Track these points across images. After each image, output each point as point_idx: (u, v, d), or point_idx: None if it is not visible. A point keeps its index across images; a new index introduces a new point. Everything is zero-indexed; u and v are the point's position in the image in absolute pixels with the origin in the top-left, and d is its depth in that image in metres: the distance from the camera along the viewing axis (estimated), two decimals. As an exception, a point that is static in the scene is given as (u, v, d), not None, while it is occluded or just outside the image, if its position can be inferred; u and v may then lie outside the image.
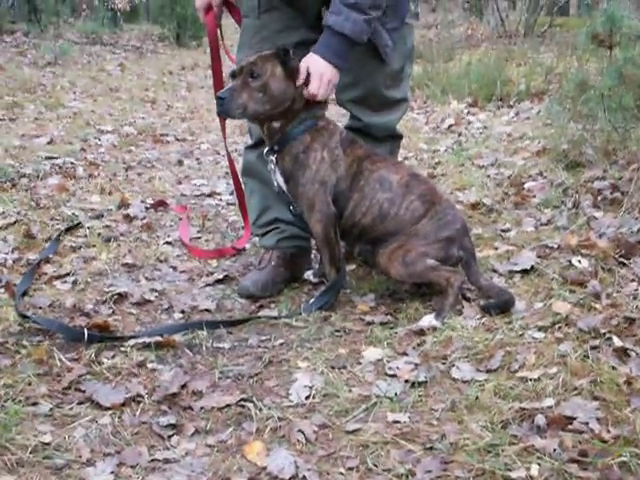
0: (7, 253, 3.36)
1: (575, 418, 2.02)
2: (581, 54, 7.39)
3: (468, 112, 6.92)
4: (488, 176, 4.51)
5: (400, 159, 3.99)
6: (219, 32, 3.28)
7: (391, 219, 2.83)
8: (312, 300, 2.90)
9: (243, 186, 3.40)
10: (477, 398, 2.20)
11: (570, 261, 3.05)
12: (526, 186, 4.17)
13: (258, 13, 3.10)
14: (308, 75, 2.76)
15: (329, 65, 2.75)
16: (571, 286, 2.84)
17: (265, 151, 2.92)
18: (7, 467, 1.91)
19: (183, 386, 2.32)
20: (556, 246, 3.24)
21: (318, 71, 2.75)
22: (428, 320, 2.71)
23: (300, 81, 2.76)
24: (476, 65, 7.96)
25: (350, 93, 3.18)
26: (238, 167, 3.44)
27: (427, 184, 2.95)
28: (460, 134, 6.10)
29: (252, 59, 2.76)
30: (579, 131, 4.61)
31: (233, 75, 2.77)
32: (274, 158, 2.86)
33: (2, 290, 2.97)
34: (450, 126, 6.45)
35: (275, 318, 2.84)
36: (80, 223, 3.84)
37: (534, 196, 3.99)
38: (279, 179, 2.89)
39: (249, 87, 2.73)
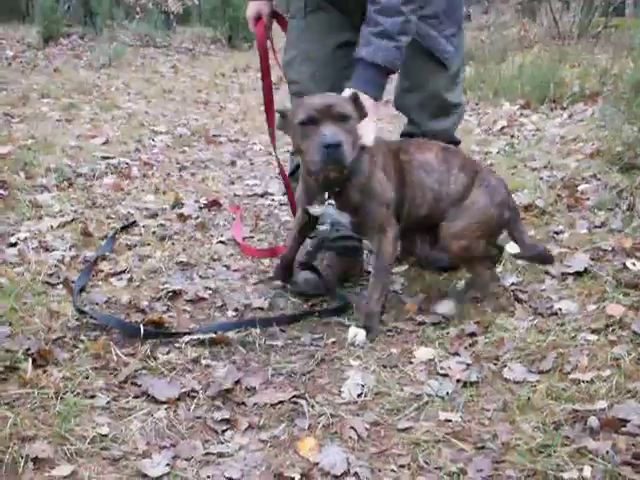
0: (65, 250, 3.43)
1: (629, 421, 2.01)
2: (637, 55, 7.30)
3: (521, 114, 6.87)
4: (541, 178, 4.48)
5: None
6: (269, 42, 3.33)
7: (445, 199, 2.79)
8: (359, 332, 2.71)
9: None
10: (529, 399, 2.20)
11: (624, 264, 3.03)
12: (580, 188, 4.14)
13: (304, 13, 3.13)
14: None
15: (368, 98, 2.71)
16: (625, 289, 2.82)
17: (320, 202, 2.72)
18: (66, 457, 1.96)
19: (237, 382, 2.36)
20: (610, 248, 3.21)
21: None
22: (448, 307, 2.81)
23: None
24: (529, 67, 7.90)
25: (411, 98, 3.19)
26: (286, 169, 3.47)
27: (459, 154, 2.93)
28: (512, 136, 6.06)
29: (333, 101, 2.54)
30: (634, 133, 4.56)
31: (310, 120, 2.49)
32: (333, 202, 2.68)
33: (60, 286, 3.03)
34: (502, 128, 6.41)
35: (327, 315, 2.86)
36: (135, 222, 3.91)
37: (588, 198, 3.95)
38: (341, 218, 2.73)
39: (343, 131, 2.50)
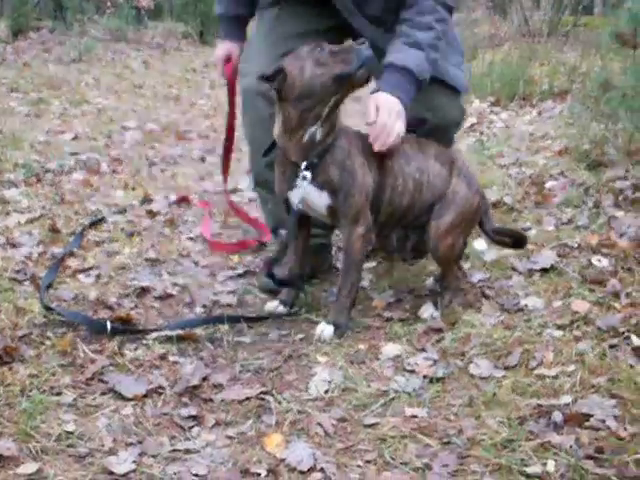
0: (32, 247, 3.40)
1: (592, 415, 2.03)
2: (605, 53, 7.38)
3: (490, 111, 6.91)
4: (509, 175, 4.51)
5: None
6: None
7: (426, 188, 2.78)
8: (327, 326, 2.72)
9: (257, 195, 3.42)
10: (495, 394, 2.22)
11: (590, 260, 3.06)
12: (547, 185, 4.17)
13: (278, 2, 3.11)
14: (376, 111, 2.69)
15: (396, 99, 2.69)
16: (590, 285, 2.85)
17: (296, 170, 2.64)
18: (32, 454, 1.95)
19: (204, 379, 2.36)
20: (576, 245, 3.24)
21: (387, 105, 2.67)
22: (429, 311, 2.80)
23: (371, 119, 2.66)
24: (499, 64, 7.94)
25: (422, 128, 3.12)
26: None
27: (432, 144, 2.89)
28: (482, 133, 6.10)
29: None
30: (601, 131, 4.61)
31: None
32: (309, 174, 2.62)
33: (27, 283, 3.01)
34: (472, 125, 6.44)
35: (296, 314, 2.86)
36: (104, 218, 3.89)
37: (555, 195, 3.99)
38: (318, 201, 2.66)
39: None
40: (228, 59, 3.34)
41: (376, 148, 2.66)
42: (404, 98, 2.72)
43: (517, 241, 2.99)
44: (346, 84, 2.53)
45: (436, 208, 2.79)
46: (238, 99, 3.28)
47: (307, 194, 2.64)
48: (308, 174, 2.60)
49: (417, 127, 2.90)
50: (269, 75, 2.53)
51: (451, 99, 3.07)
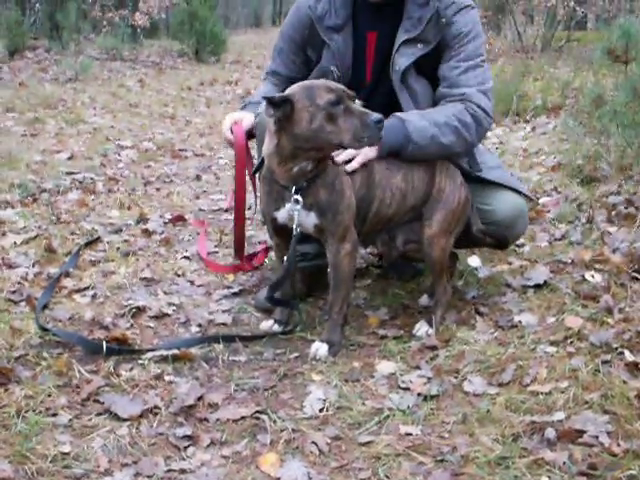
0: (28, 267, 3.42)
1: (585, 432, 2.04)
2: (597, 69, 7.43)
3: (484, 127, 6.93)
4: (503, 191, 4.53)
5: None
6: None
7: (410, 194, 2.81)
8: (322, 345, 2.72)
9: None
10: (488, 411, 2.23)
11: (583, 276, 3.08)
12: (541, 201, 4.20)
13: None
14: None
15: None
16: (584, 301, 2.86)
17: (283, 192, 2.65)
18: (27, 476, 1.95)
19: (199, 398, 2.36)
20: (569, 261, 3.26)
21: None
22: (424, 329, 2.82)
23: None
24: (493, 80, 7.97)
25: None
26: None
27: None
28: (476, 149, 6.11)
29: (339, 84, 2.57)
30: (594, 146, 4.64)
31: (339, 101, 2.45)
32: (300, 198, 2.61)
33: (23, 303, 3.02)
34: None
35: (291, 332, 2.87)
36: (99, 237, 3.90)
37: (548, 211, 4.01)
38: (306, 220, 2.66)
39: None
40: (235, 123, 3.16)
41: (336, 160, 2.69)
42: (391, 140, 2.73)
43: (499, 242, 2.99)
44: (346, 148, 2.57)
45: (425, 210, 2.82)
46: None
47: (300, 218, 2.65)
48: (300, 198, 2.61)
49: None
50: (275, 101, 2.47)
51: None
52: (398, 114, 2.81)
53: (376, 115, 2.44)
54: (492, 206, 2.93)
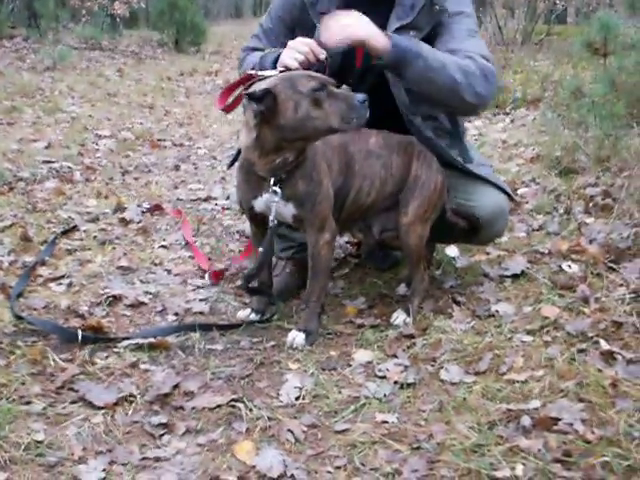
0: (3, 255, 3.39)
1: (560, 419, 2.05)
2: (576, 62, 7.46)
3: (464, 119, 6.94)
4: (482, 182, 4.54)
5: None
6: None
7: (389, 182, 2.81)
8: (299, 334, 2.71)
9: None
10: (465, 399, 2.23)
11: (560, 266, 3.09)
12: (519, 192, 4.21)
13: None
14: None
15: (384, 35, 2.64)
16: (560, 291, 2.88)
17: (261, 182, 2.63)
18: (0, 464, 1.94)
19: (175, 386, 2.35)
20: (547, 251, 3.28)
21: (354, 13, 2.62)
22: (402, 319, 2.82)
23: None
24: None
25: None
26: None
27: (394, 134, 2.89)
28: (455, 140, 6.13)
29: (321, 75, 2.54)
30: (572, 138, 4.66)
31: (322, 87, 2.44)
32: (279, 190, 2.60)
33: (-2, 292, 3.00)
34: (446, 133, 6.48)
35: (268, 321, 2.87)
36: (76, 226, 3.88)
37: (527, 202, 4.03)
38: (284, 210, 2.65)
39: None
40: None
41: (322, 38, 2.64)
42: (397, 40, 2.64)
43: (472, 225, 2.94)
44: (337, 133, 2.54)
45: (401, 197, 2.82)
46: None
47: (280, 209, 2.64)
48: (278, 190, 2.59)
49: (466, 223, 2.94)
50: (258, 96, 2.43)
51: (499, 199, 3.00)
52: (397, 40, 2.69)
53: (361, 95, 2.44)
54: (475, 202, 2.92)
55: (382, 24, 2.80)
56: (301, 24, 2.93)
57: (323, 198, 2.65)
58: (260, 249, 2.74)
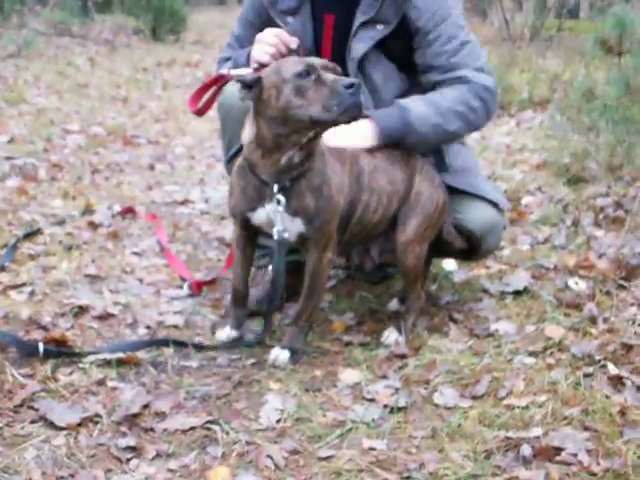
0: (-41, 260, 3.38)
1: (564, 449, 2.07)
2: (589, 61, 7.50)
3: (466, 121, 6.98)
4: (484, 190, 4.57)
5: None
6: None
7: (394, 198, 2.81)
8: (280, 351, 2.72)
9: None
10: (460, 425, 2.25)
11: (566, 283, 3.12)
12: (523, 201, 4.24)
13: None
14: None
15: (370, 123, 2.74)
16: (566, 309, 2.91)
17: (262, 189, 2.60)
18: (-49, 489, 1.94)
19: (145, 406, 2.35)
20: (552, 266, 3.31)
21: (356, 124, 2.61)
22: (393, 338, 2.83)
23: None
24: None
25: None
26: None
27: (395, 149, 2.88)
28: (456, 144, 6.16)
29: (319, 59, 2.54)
30: (583, 144, 4.69)
31: (308, 72, 2.40)
32: (283, 199, 2.57)
33: (-48, 299, 3.00)
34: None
35: (249, 346, 2.83)
36: (40, 229, 3.87)
37: (531, 212, 4.06)
38: (290, 226, 2.60)
39: None
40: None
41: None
42: (383, 124, 2.76)
43: (470, 247, 2.96)
44: (323, 125, 2.47)
45: (400, 213, 2.83)
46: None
47: (285, 223, 2.59)
48: (282, 198, 2.56)
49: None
50: (248, 82, 2.45)
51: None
52: (399, 101, 2.81)
53: (347, 79, 2.39)
54: (461, 214, 2.94)
55: (349, 20, 2.87)
56: (272, 26, 2.92)
57: (332, 217, 2.63)
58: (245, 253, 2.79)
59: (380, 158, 2.81)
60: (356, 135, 2.74)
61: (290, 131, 2.45)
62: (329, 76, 2.41)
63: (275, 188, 2.54)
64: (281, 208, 2.55)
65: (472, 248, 2.97)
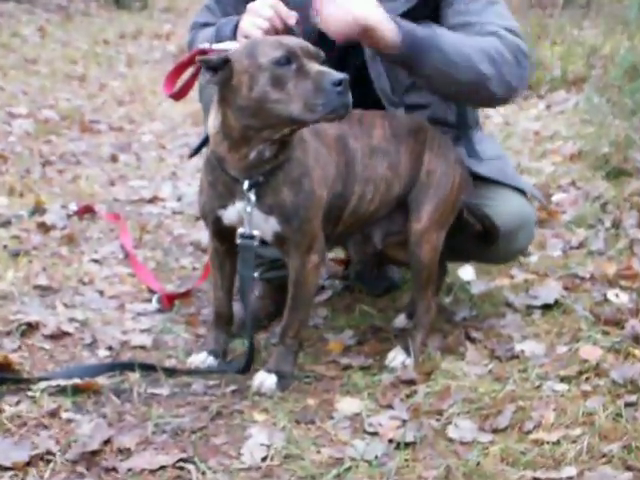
0: None
1: (601, 492, 2.09)
2: (634, 32, 7.51)
3: (487, 103, 6.99)
4: (508, 185, 4.59)
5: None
6: None
7: (396, 184, 2.83)
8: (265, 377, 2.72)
9: None
10: (479, 464, 2.25)
11: (605, 295, 3.14)
12: (554, 199, 4.26)
13: None
14: None
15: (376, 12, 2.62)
16: (604, 326, 2.92)
17: (232, 185, 2.60)
18: None
19: (106, 442, 2.35)
20: (588, 276, 3.32)
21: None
22: (400, 360, 2.84)
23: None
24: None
25: None
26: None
27: (404, 118, 2.93)
28: (475, 131, 6.18)
29: (302, 41, 2.50)
30: (625, 130, 4.69)
31: (288, 60, 2.40)
32: (253, 196, 2.57)
33: None
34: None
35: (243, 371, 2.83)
36: (-20, 232, 3.89)
37: (564, 212, 4.08)
38: (263, 226, 2.62)
39: None
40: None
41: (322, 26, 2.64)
42: (407, 27, 2.66)
43: (487, 232, 2.96)
44: (302, 124, 2.48)
45: (411, 199, 2.84)
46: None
47: (254, 223, 2.61)
48: (252, 196, 2.57)
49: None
50: (213, 64, 2.43)
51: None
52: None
53: (335, 74, 2.36)
54: (490, 208, 2.95)
55: None
56: None
57: (315, 214, 2.64)
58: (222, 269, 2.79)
59: (379, 138, 2.82)
60: (385, 16, 2.63)
61: (262, 125, 2.45)
62: (313, 66, 2.41)
63: (245, 185, 2.55)
64: (249, 208, 2.57)
65: (489, 236, 2.95)
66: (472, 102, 2.99)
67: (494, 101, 2.91)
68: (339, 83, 2.34)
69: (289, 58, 2.39)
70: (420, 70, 2.70)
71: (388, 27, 2.62)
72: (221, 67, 2.42)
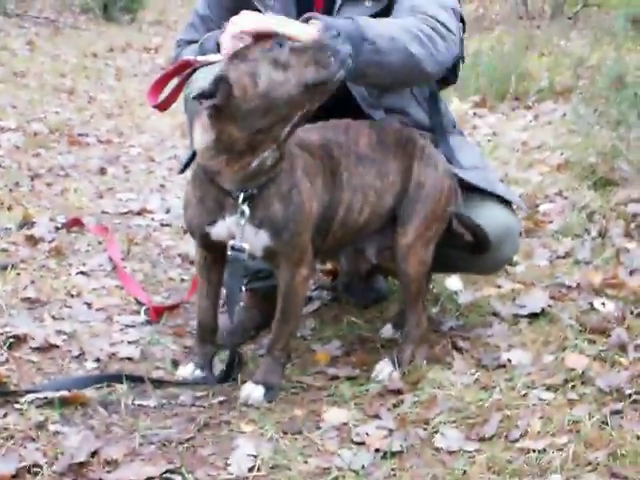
0: None
1: (587, 500, 2.09)
2: (620, 42, 7.55)
3: (474, 114, 7.03)
4: (495, 195, 4.60)
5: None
6: None
7: (385, 194, 2.82)
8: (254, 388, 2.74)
9: None
10: (465, 473, 2.26)
11: (591, 304, 3.15)
12: (541, 208, 4.27)
13: None
14: None
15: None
16: (591, 335, 2.92)
17: (223, 199, 2.59)
18: None
19: (94, 453, 2.35)
20: (575, 285, 3.33)
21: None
22: (387, 371, 2.84)
23: None
24: (487, 54, 8.06)
25: None
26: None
27: (390, 127, 2.93)
28: (463, 142, 6.19)
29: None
30: (612, 140, 4.71)
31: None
32: (247, 209, 2.57)
33: None
34: (450, 131, 6.54)
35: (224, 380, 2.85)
36: (-32, 245, 3.88)
37: (551, 221, 4.08)
38: (253, 240, 2.60)
39: None
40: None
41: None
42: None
43: (478, 243, 2.94)
44: (320, 93, 2.46)
45: (400, 211, 2.84)
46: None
47: (246, 237, 2.58)
48: (247, 209, 2.55)
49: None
50: (209, 91, 2.40)
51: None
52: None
53: (330, 32, 2.42)
54: (471, 215, 2.94)
55: None
56: (245, 6, 2.82)
57: (305, 227, 2.63)
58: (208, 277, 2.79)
59: (365, 146, 2.81)
60: (290, 20, 2.61)
61: (274, 121, 2.44)
62: (302, 42, 2.43)
63: (240, 197, 2.54)
64: (243, 221, 2.55)
65: (480, 246, 2.94)
66: (406, 85, 2.96)
67: (426, 78, 2.87)
68: (338, 34, 2.38)
69: (279, 43, 2.41)
70: (359, 64, 2.59)
71: (296, 27, 2.57)
72: (217, 87, 2.40)
